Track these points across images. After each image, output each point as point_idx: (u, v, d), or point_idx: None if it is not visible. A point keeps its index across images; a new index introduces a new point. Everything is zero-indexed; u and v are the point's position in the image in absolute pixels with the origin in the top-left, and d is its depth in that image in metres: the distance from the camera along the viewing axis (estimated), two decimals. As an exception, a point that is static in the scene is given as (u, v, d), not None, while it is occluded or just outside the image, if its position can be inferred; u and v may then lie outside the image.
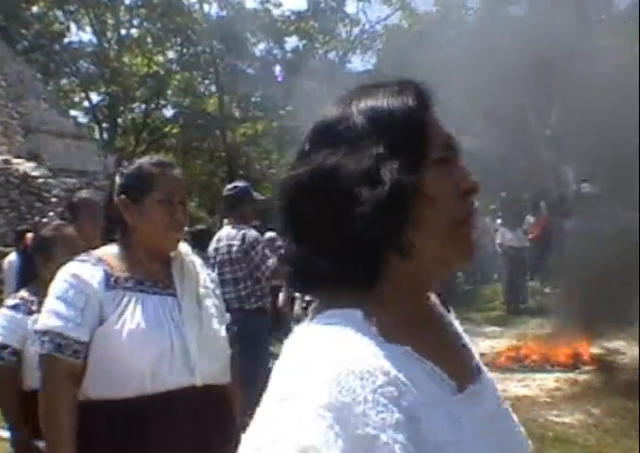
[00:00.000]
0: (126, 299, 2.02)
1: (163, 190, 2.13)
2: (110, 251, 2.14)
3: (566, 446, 5.32)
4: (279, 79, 24.28)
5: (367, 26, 24.17)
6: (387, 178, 0.88)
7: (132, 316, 1.99)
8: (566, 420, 5.95)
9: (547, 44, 11.65)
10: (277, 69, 25.04)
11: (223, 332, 2.22)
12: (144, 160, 2.23)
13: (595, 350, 8.07)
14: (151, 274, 2.12)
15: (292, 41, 25.34)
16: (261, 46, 25.66)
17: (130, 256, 2.13)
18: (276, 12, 25.03)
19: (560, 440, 5.45)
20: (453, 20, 18.85)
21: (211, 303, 2.22)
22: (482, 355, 8.55)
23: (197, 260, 2.29)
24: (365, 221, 0.87)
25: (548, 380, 7.17)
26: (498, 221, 14.59)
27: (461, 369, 0.95)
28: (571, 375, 7.28)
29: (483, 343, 8.94)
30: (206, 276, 2.28)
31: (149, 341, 1.98)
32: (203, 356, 2.06)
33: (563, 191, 10.92)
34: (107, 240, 2.22)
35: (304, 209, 0.94)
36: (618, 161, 9.93)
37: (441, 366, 0.90)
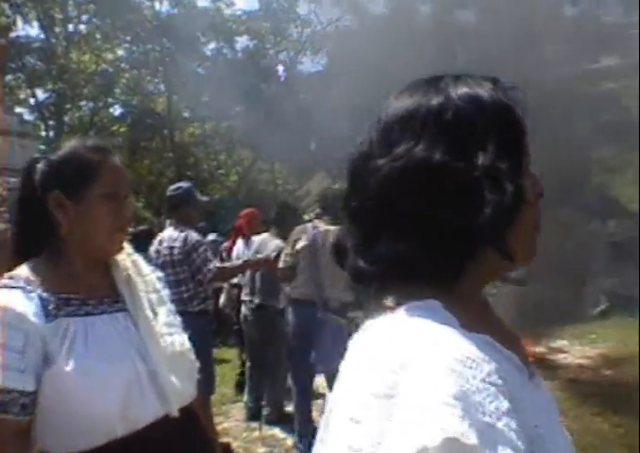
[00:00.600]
0: (72, 328, 1.62)
1: (107, 181, 1.74)
2: (36, 267, 1.71)
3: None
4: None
5: (319, 28, 24.15)
6: (508, 182, 0.87)
7: (85, 349, 1.61)
8: (509, 419, 6.02)
9: (493, 51, 11.85)
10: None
11: (187, 343, 1.89)
12: (78, 145, 1.78)
13: (538, 349, 8.20)
14: (93, 288, 1.75)
15: (242, 41, 25.22)
16: (212, 46, 25.48)
17: (64, 269, 1.73)
18: (227, 11, 24.89)
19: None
20: (404, 23, 18.98)
21: (167, 310, 1.89)
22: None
23: (140, 259, 1.95)
24: (483, 222, 0.86)
25: (492, 380, 7.24)
26: None
27: (523, 358, 0.97)
28: (515, 374, 7.38)
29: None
30: (154, 277, 1.94)
31: (112, 376, 1.62)
32: (174, 377, 1.74)
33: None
34: (23, 250, 1.76)
35: (396, 201, 0.89)
36: (565, 166, 10.17)
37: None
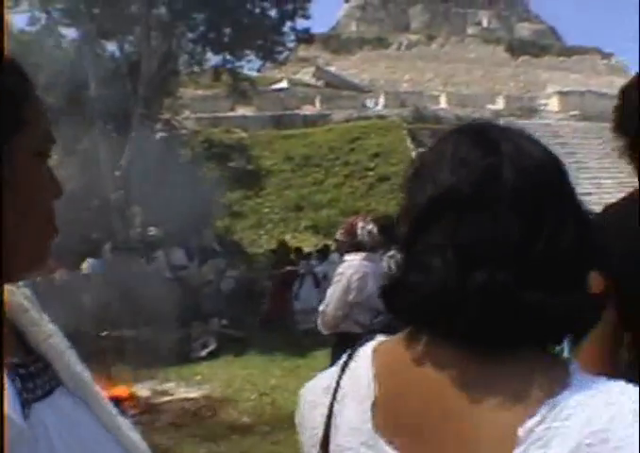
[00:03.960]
0: (50, 425, 0.85)
1: (41, 131, 0.91)
2: None
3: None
4: None
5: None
6: None
7: None
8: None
9: (127, 86, 11.98)
10: None
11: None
12: None
13: (141, 393, 8.20)
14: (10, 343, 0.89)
15: None
16: None
17: None
18: None
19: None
20: (48, 45, 18.31)
21: (90, 377, 1.01)
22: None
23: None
24: None
25: (89, 427, 7.07)
26: None
27: None
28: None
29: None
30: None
31: None
32: None
33: (128, 233, 11.19)
34: None
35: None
36: (190, 210, 10.56)
37: None
